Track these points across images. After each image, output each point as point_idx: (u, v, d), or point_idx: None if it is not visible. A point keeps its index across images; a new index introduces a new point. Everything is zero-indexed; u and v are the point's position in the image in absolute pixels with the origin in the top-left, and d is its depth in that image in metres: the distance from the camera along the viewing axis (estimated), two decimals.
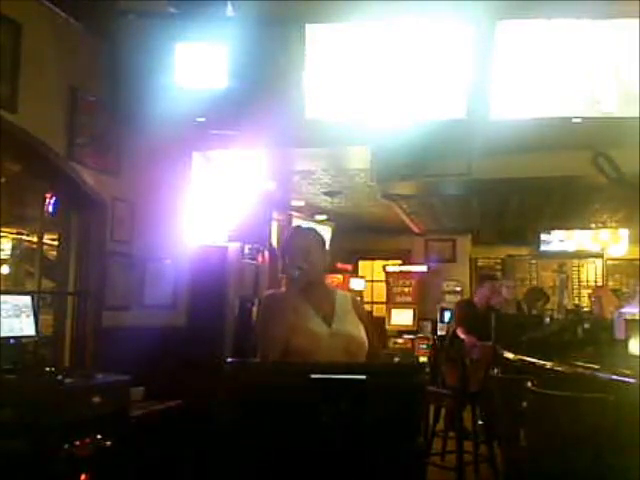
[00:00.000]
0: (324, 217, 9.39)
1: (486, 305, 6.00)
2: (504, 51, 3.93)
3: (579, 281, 11.71)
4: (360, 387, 2.03)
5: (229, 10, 4.01)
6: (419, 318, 10.61)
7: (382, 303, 11.12)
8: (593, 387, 2.95)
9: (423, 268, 10.87)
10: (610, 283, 11.21)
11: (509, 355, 4.29)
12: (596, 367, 3.20)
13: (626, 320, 4.00)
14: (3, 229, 4.53)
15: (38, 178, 4.33)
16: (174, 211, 5.07)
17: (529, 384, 3.25)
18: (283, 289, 2.69)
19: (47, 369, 3.65)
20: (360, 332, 2.64)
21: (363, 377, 2.06)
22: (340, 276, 9.68)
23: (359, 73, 4.05)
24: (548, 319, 6.48)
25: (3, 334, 3.51)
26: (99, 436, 3.55)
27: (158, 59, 3.96)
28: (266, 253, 6.03)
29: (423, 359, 8.87)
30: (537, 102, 4.00)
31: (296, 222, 8.65)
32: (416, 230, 10.23)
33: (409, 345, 10.19)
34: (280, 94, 4.05)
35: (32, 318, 3.75)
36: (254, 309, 5.44)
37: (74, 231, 4.47)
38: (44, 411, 3.27)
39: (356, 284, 10.05)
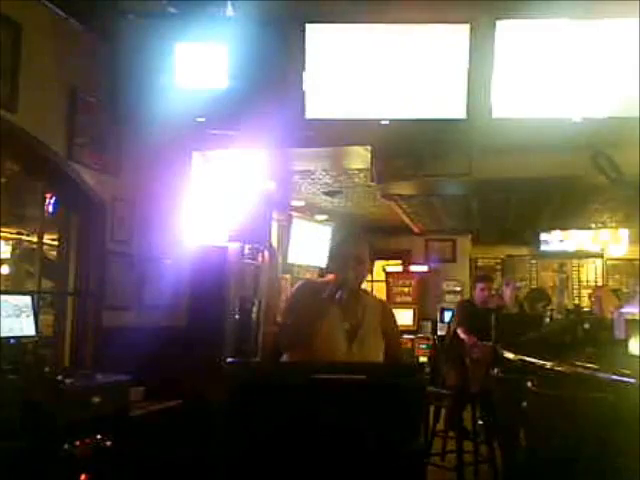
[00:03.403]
0: (324, 217, 9.39)
1: (486, 305, 5.99)
2: (504, 51, 3.93)
3: (579, 281, 11.71)
4: (360, 387, 2.03)
5: (229, 10, 4.00)
6: (419, 318, 10.60)
7: None
8: (593, 387, 2.95)
9: (423, 268, 10.86)
10: (610, 283, 11.21)
11: (509, 355, 4.29)
12: (596, 367, 3.19)
13: (626, 320, 4.01)
14: (3, 229, 4.53)
15: (38, 178, 4.32)
16: (174, 211, 5.07)
17: (529, 384, 3.25)
18: (319, 279, 2.71)
19: (47, 369, 3.65)
20: (378, 350, 2.64)
21: (363, 377, 2.06)
22: None
23: (359, 73, 4.05)
24: (548, 319, 6.48)
25: (3, 334, 3.51)
26: (99, 436, 3.55)
27: (158, 59, 3.96)
28: (266, 253, 6.03)
29: (423, 359, 8.88)
30: (537, 102, 3.99)
31: (296, 222, 8.66)
32: (416, 230, 10.23)
33: (409, 345, 10.18)
34: (280, 94, 4.04)
35: (32, 318, 3.74)
36: (254, 309, 5.44)
37: (74, 231, 4.46)
38: (44, 411, 3.27)
39: None
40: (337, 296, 2.56)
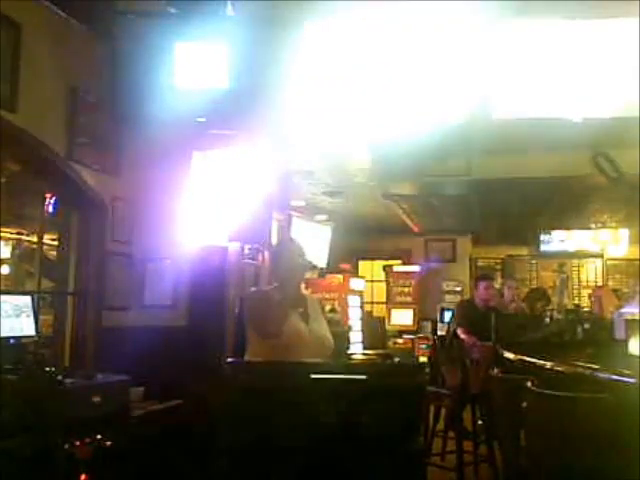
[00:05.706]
0: (324, 217, 9.38)
1: (486, 305, 5.99)
2: (504, 51, 3.93)
3: (579, 281, 11.71)
4: (360, 387, 2.03)
5: (229, 10, 4.01)
6: (419, 318, 10.60)
7: (382, 303, 11.11)
8: (593, 387, 2.95)
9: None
10: (610, 283, 11.21)
11: (509, 355, 4.28)
12: (596, 367, 3.19)
13: (626, 320, 4.00)
14: (3, 229, 4.53)
15: (38, 178, 4.33)
16: (174, 211, 5.06)
17: (529, 384, 3.25)
18: (266, 288, 2.92)
19: (47, 369, 3.64)
20: (329, 332, 2.98)
21: (363, 377, 2.06)
22: (340, 276, 9.67)
23: (359, 73, 4.05)
24: (548, 319, 6.49)
25: (3, 334, 3.52)
26: (99, 436, 3.55)
27: (158, 59, 3.96)
28: (266, 253, 6.02)
29: (423, 359, 8.87)
30: (537, 102, 4.00)
31: (296, 222, 8.65)
32: (416, 230, 10.23)
33: (409, 345, 10.19)
34: (280, 94, 4.04)
35: (32, 318, 3.75)
36: None
37: (74, 231, 4.47)
38: (44, 411, 3.27)
39: (356, 284, 10.04)
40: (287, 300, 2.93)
